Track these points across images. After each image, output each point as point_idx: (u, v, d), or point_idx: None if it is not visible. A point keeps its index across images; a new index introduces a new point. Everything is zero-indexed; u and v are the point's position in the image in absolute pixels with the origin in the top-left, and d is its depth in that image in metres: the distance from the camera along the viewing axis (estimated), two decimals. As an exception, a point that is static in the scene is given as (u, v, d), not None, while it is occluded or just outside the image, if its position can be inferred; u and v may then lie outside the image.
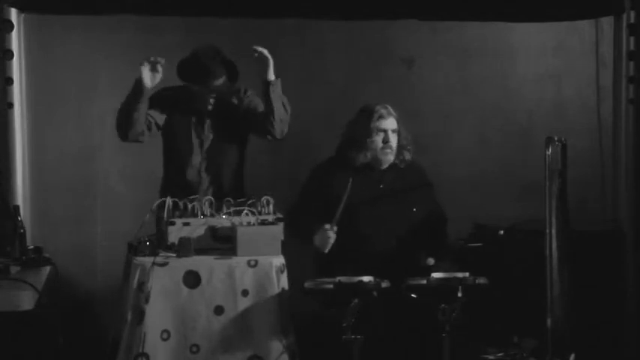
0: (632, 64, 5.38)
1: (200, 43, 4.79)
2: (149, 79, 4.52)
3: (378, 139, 4.69)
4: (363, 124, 4.71)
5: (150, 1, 5.30)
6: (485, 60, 5.84)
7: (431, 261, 4.63)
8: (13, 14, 5.11)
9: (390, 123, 4.70)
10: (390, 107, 4.75)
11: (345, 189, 4.52)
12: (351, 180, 4.53)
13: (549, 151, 4.24)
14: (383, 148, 4.70)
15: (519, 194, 5.69)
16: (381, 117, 4.70)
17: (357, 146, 4.70)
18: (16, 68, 5.14)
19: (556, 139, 4.26)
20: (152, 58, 4.51)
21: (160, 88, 4.70)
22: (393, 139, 4.71)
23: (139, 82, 4.52)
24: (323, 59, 5.72)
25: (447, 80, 5.82)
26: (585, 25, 5.83)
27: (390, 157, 4.72)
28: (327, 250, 4.55)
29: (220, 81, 4.70)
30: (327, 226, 4.54)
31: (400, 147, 4.75)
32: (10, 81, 5.11)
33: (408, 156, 4.77)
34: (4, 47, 5.08)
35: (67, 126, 5.48)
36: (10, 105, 5.13)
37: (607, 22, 5.68)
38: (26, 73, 5.23)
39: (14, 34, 5.12)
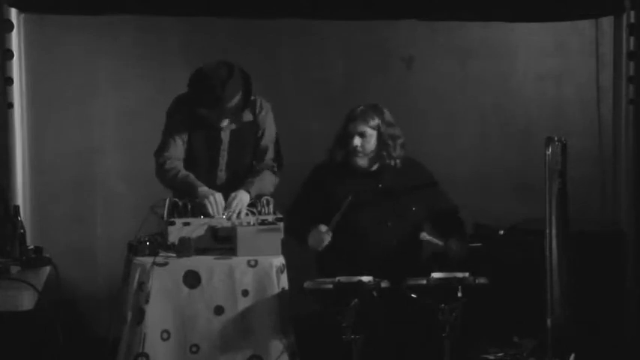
0: (632, 64, 5.39)
1: (210, 58, 4.60)
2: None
3: (350, 141, 4.65)
4: (342, 125, 4.71)
5: (150, 1, 5.30)
6: (485, 60, 5.83)
7: (424, 235, 4.64)
8: (13, 14, 5.12)
9: (357, 126, 4.64)
10: (374, 108, 4.68)
11: (343, 191, 4.55)
12: (350, 197, 4.52)
13: (549, 151, 4.23)
14: (350, 151, 4.67)
15: (519, 194, 5.69)
16: (351, 120, 4.65)
17: (337, 146, 4.71)
18: (16, 68, 5.15)
19: (556, 139, 4.25)
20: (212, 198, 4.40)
21: (176, 102, 4.62)
22: (361, 142, 4.64)
23: (197, 193, 4.43)
24: (323, 59, 5.72)
25: (447, 80, 5.82)
26: (585, 25, 5.82)
27: (359, 160, 4.67)
28: (320, 249, 4.56)
29: (234, 101, 4.50)
30: (323, 228, 4.55)
31: (380, 148, 4.67)
32: (10, 81, 5.11)
33: (394, 155, 4.68)
34: (4, 47, 5.09)
35: (67, 126, 5.48)
36: (10, 105, 5.14)
37: (607, 22, 5.69)
38: (26, 73, 5.23)
39: (14, 34, 5.12)
